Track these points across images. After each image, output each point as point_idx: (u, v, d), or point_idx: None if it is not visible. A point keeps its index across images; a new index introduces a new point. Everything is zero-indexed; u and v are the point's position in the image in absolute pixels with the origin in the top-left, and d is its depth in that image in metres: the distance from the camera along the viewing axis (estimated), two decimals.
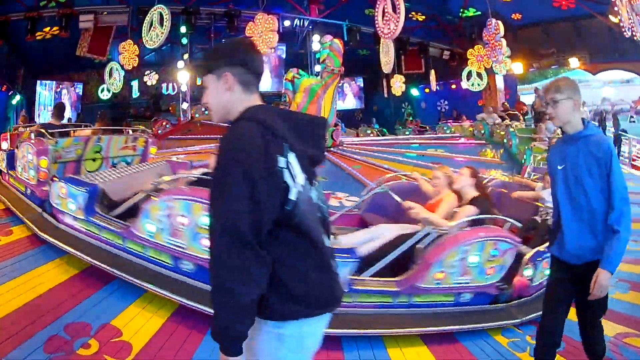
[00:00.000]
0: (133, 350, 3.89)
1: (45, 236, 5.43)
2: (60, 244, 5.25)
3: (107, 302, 4.60)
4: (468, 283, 5.16)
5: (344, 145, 17.91)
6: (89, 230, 5.41)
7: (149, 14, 14.56)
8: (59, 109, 8.69)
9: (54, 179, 5.96)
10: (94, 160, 7.45)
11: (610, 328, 5.25)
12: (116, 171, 6.65)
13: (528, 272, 5.53)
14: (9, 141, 8.31)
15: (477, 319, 5.13)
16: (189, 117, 23.54)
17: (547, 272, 5.56)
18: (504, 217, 5.63)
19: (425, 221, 5.38)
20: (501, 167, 13.56)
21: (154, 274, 4.87)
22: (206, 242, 4.46)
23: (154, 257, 4.97)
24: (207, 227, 4.26)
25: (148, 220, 4.86)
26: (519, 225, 5.83)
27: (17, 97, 19.40)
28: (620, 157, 17.78)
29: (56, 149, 6.78)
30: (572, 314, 5.67)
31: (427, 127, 25.08)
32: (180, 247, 4.74)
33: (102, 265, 4.89)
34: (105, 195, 5.76)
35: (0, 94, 18.36)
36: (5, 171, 7.62)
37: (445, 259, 4.92)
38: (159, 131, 20.49)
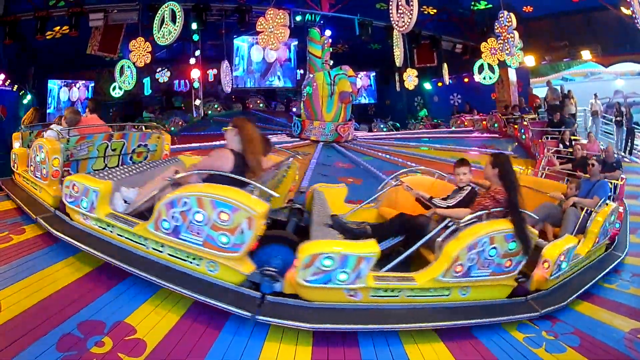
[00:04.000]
0: (147, 348, 3.86)
1: (59, 234, 5.42)
2: (74, 242, 5.24)
3: (120, 299, 4.57)
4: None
5: (358, 139, 18.04)
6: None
7: (159, 11, 14.52)
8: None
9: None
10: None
11: (624, 324, 5.26)
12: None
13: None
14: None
15: (496, 313, 5.12)
16: (202, 114, 23.63)
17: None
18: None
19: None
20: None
21: (167, 271, 4.86)
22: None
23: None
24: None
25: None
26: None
27: (28, 97, 19.46)
28: (634, 151, 17.66)
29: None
30: (586, 309, 5.66)
31: (440, 122, 25.02)
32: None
33: (115, 261, 4.88)
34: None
35: (11, 94, 18.41)
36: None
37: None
38: (172, 128, 20.59)
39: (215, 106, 25.39)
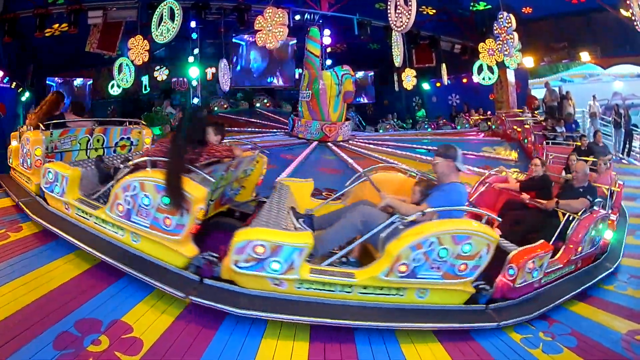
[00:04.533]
0: (144, 347, 3.86)
1: (36, 218, 5.89)
2: (49, 226, 5.64)
3: (117, 298, 4.58)
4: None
5: (357, 139, 18.09)
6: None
7: (158, 9, 14.50)
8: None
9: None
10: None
11: (622, 325, 5.28)
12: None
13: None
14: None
15: (450, 319, 4.93)
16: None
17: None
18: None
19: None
20: (515, 166, 13.52)
21: (162, 271, 4.92)
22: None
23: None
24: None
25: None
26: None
27: (27, 94, 19.43)
28: (632, 153, 17.68)
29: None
30: (583, 310, 5.67)
31: (443, 120, 25.02)
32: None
33: (111, 260, 4.93)
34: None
35: (10, 91, 18.36)
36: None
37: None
38: (176, 124, 20.58)
39: (222, 103, 25.46)
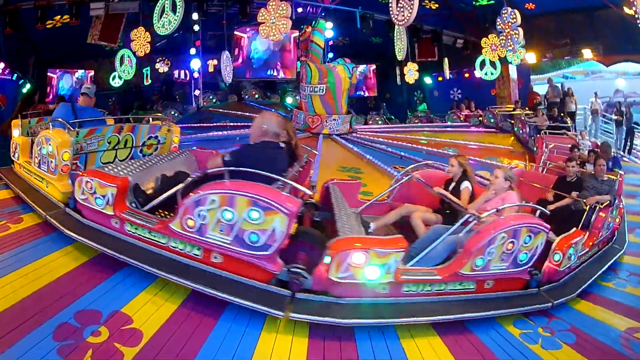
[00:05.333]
0: (144, 338, 3.86)
1: (71, 234, 5.22)
2: (88, 242, 5.06)
3: (117, 289, 4.57)
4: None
5: (357, 132, 18.16)
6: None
7: (160, 1, 14.49)
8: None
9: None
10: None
11: (621, 322, 5.28)
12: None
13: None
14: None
15: (511, 304, 5.31)
16: (201, 104, 23.60)
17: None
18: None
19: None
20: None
21: (165, 260, 4.84)
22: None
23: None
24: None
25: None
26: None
27: (28, 86, 19.44)
28: (633, 151, 17.69)
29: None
30: (582, 306, 5.68)
31: (436, 117, 25.00)
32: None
33: (113, 253, 4.85)
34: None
35: (11, 82, 18.38)
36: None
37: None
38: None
39: (211, 97, 25.22)
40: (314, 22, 18.19)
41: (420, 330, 4.68)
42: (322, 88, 17.52)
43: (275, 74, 26.66)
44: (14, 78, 18.49)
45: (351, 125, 18.28)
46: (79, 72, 23.23)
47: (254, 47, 25.56)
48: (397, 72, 25.36)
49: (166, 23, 14.28)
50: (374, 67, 30.21)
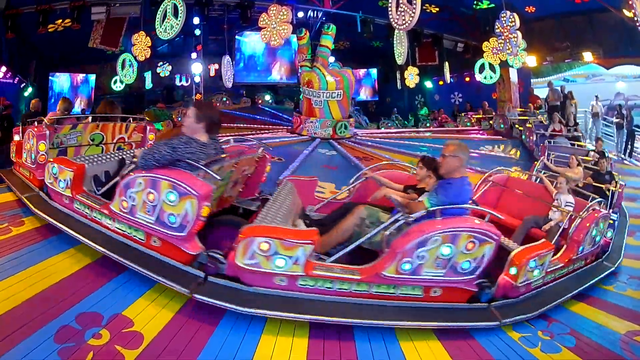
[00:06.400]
0: (144, 341, 3.88)
1: (40, 212, 5.81)
2: (53, 221, 5.56)
3: (118, 292, 4.59)
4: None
5: (359, 136, 18.19)
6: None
7: (162, 5, 14.53)
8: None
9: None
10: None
11: (621, 325, 5.27)
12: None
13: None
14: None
15: (453, 317, 4.92)
16: None
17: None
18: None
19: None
20: (517, 164, 13.56)
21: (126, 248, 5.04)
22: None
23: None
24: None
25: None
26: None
27: (30, 89, 19.50)
28: (634, 154, 17.67)
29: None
30: (582, 310, 5.68)
31: (443, 115, 25.00)
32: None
33: (114, 256, 4.89)
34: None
35: (13, 86, 18.44)
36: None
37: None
38: (178, 118, 20.64)
39: (224, 99, 25.37)
40: (326, 27, 18.13)
41: (420, 333, 4.68)
42: (339, 93, 17.52)
43: (277, 78, 26.76)
44: (15, 82, 18.55)
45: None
46: (80, 76, 23.32)
47: (254, 51, 25.65)
48: (398, 76, 25.36)
49: (168, 27, 14.31)
50: (374, 71, 30.31)
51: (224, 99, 25.64)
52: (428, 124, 24.94)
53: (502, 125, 20.70)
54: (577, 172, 10.05)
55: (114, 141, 8.19)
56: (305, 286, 4.70)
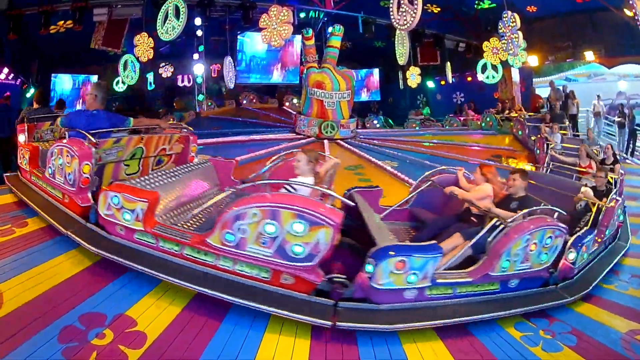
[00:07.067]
0: (148, 340, 3.90)
1: (99, 251, 5.02)
2: (116, 258, 4.93)
3: (122, 292, 4.61)
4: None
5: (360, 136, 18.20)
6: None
7: (163, 6, 14.53)
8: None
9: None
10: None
11: (622, 324, 5.27)
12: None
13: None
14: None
15: (534, 301, 5.54)
16: (204, 109, 23.60)
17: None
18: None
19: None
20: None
21: (237, 286, 4.73)
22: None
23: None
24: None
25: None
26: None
27: (32, 90, 19.53)
28: (636, 153, 17.66)
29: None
30: (584, 308, 5.68)
31: (434, 121, 24.91)
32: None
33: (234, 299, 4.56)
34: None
35: (15, 87, 18.46)
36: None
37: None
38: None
39: (209, 104, 25.00)
40: (335, 28, 18.12)
41: (423, 333, 4.70)
42: (349, 93, 17.62)
43: (279, 79, 26.74)
44: (17, 82, 18.58)
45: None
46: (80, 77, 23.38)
47: (255, 52, 25.65)
48: (400, 76, 25.35)
49: (170, 29, 14.31)
50: (377, 71, 30.32)
51: (209, 103, 25.11)
52: (417, 127, 24.42)
53: (519, 132, 19.87)
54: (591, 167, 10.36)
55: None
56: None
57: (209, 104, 24.89)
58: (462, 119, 23.27)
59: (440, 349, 4.51)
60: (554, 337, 4.89)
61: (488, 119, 20.96)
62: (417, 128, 23.31)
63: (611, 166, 10.22)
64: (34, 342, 3.61)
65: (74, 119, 6.22)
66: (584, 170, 10.41)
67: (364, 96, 30.70)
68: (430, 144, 17.39)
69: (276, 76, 27.12)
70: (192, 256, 4.89)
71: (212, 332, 4.21)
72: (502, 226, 5.43)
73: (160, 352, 3.81)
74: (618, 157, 11.54)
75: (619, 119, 18.54)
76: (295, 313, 4.41)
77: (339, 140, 16.99)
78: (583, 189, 7.66)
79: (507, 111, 21.34)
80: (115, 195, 5.17)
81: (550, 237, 5.54)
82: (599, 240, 7.13)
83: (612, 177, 8.66)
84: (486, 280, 5.34)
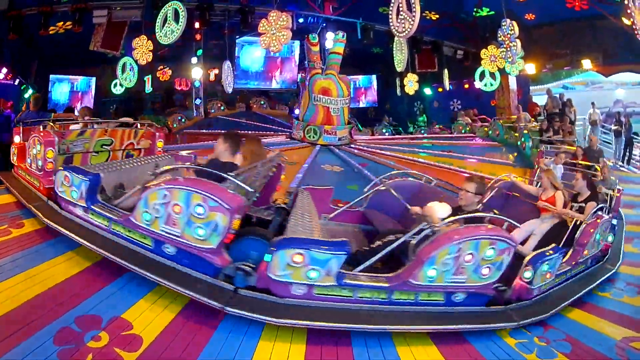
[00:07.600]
0: (143, 344, 3.90)
1: (50, 222, 5.55)
2: (63, 230, 5.37)
3: (118, 295, 4.61)
4: (463, 282, 5.08)
5: (357, 142, 18.16)
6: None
7: (162, 10, 14.53)
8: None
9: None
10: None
11: (617, 332, 5.30)
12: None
13: (528, 274, 5.49)
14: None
15: (472, 320, 5.06)
16: (202, 113, 23.63)
17: (548, 276, 5.73)
18: (502, 217, 5.66)
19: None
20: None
21: (165, 268, 4.87)
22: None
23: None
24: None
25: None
26: (518, 225, 5.95)
27: (30, 91, 19.54)
28: (632, 161, 17.69)
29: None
30: (578, 316, 5.70)
31: (441, 127, 24.90)
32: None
33: (141, 270, 4.80)
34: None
35: (13, 88, 18.47)
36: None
37: (438, 256, 4.87)
38: (174, 124, 20.62)
39: (220, 106, 25.25)
40: (338, 35, 18.15)
41: (417, 337, 4.71)
42: (349, 100, 17.85)
43: (276, 84, 26.78)
44: (15, 83, 18.60)
45: None
46: (79, 79, 23.40)
47: (254, 57, 25.68)
48: (398, 82, 25.38)
49: (168, 32, 14.30)
50: (374, 77, 30.38)
51: (220, 105, 25.41)
52: (423, 131, 24.68)
53: (497, 132, 19.96)
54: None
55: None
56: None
57: (221, 107, 25.05)
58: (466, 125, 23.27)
59: (434, 354, 4.53)
60: (549, 344, 4.90)
61: (495, 127, 20.86)
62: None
63: (582, 204, 7.39)
64: (29, 344, 3.60)
65: None
66: (543, 204, 7.62)
67: (362, 104, 30.82)
68: (426, 155, 17.15)
69: (274, 81, 27.19)
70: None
71: (207, 336, 4.21)
72: (428, 230, 5.13)
73: (156, 355, 3.81)
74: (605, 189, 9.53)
75: (616, 127, 18.57)
76: (183, 287, 4.53)
77: (332, 147, 16.91)
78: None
79: (551, 133, 18.29)
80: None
81: (492, 248, 5.00)
82: (574, 261, 6.60)
83: (607, 194, 8.04)
84: (405, 288, 4.95)
